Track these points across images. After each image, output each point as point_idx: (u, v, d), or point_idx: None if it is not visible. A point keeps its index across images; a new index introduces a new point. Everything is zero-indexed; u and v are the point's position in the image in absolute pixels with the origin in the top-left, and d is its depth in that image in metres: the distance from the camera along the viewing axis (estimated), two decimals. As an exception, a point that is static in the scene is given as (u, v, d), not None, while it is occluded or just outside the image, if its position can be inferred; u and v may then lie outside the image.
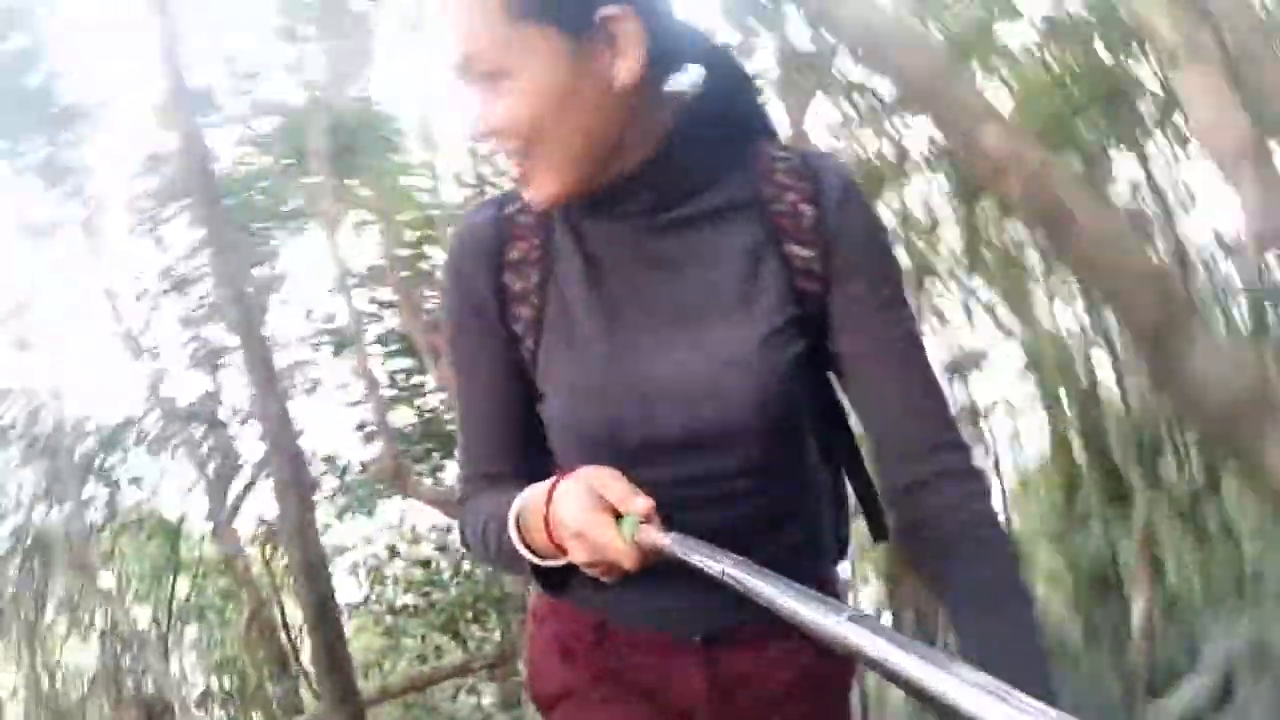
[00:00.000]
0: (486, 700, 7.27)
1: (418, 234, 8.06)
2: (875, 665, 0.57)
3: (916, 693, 0.53)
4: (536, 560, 0.98)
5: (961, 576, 0.99)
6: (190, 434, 8.27)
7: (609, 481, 0.89)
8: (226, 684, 8.91)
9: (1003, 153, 2.62)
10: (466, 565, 7.98)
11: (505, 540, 0.99)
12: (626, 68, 0.90)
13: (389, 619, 8.08)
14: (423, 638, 7.91)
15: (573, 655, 1.14)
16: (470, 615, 7.63)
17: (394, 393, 8.98)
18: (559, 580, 1.02)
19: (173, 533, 9.20)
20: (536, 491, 0.95)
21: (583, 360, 1.01)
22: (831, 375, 1.08)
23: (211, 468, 8.52)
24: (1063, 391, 7.86)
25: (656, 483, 0.95)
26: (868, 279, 1.03)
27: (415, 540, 8.49)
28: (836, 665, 1.13)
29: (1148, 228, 7.21)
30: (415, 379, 9.13)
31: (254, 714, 8.49)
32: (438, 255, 7.99)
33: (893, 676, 0.55)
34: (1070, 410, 7.96)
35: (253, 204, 8.18)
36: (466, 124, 0.96)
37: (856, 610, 0.61)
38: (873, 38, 2.91)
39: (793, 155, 1.04)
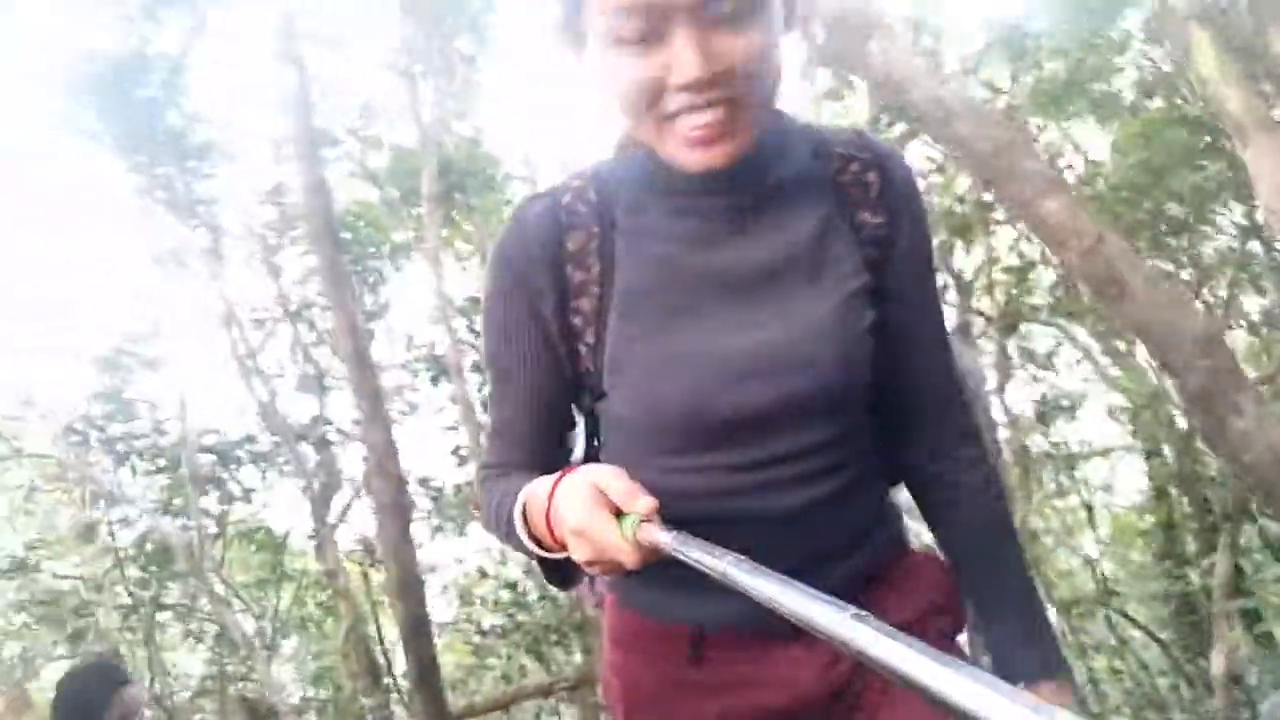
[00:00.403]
0: (567, 721, 7.44)
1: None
2: (878, 664, 0.56)
3: (920, 691, 0.53)
4: (541, 553, 0.99)
5: (965, 525, 1.14)
6: (298, 452, 8.70)
7: (611, 480, 0.88)
8: (323, 694, 9.28)
9: (1062, 225, 2.73)
10: (552, 590, 8.21)
11: (513, 531, 1.00)
12: (804, 29, 0.98)
13: (477, 639, 8.32)
14: (508, 657, 8.14)
15: (662, 670, 1.13)
16: (554, 638, 7.81)
17: (487, 418, 9.28)
18: (565, 573, 1.03)
19: (278, 546, 9.65)
20: (540, 487, 0.96)
21: (662, 339, 1.00)
22: None
23: (316, 485, 8.94)
24: (1159, 435, 7.70)
25: (737, 466, 0.99)
26: (924, 254, 1.09)
27: (503, 562, 8.74)
28: (943, 611, 1.15)
29: (1252, 268, 7.05)
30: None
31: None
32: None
33: (896, 675, 0.55)
34: (1167, 455, 7.78)
35: (363, 236, 8.62)
36: (691, 67, 0.89)
37: (859, 610, 0.60)
38: (940, 110, 3.04)
39: (841, 130, 1.08)
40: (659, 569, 0.91)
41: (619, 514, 0.87)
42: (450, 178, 7.85)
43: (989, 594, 1.13)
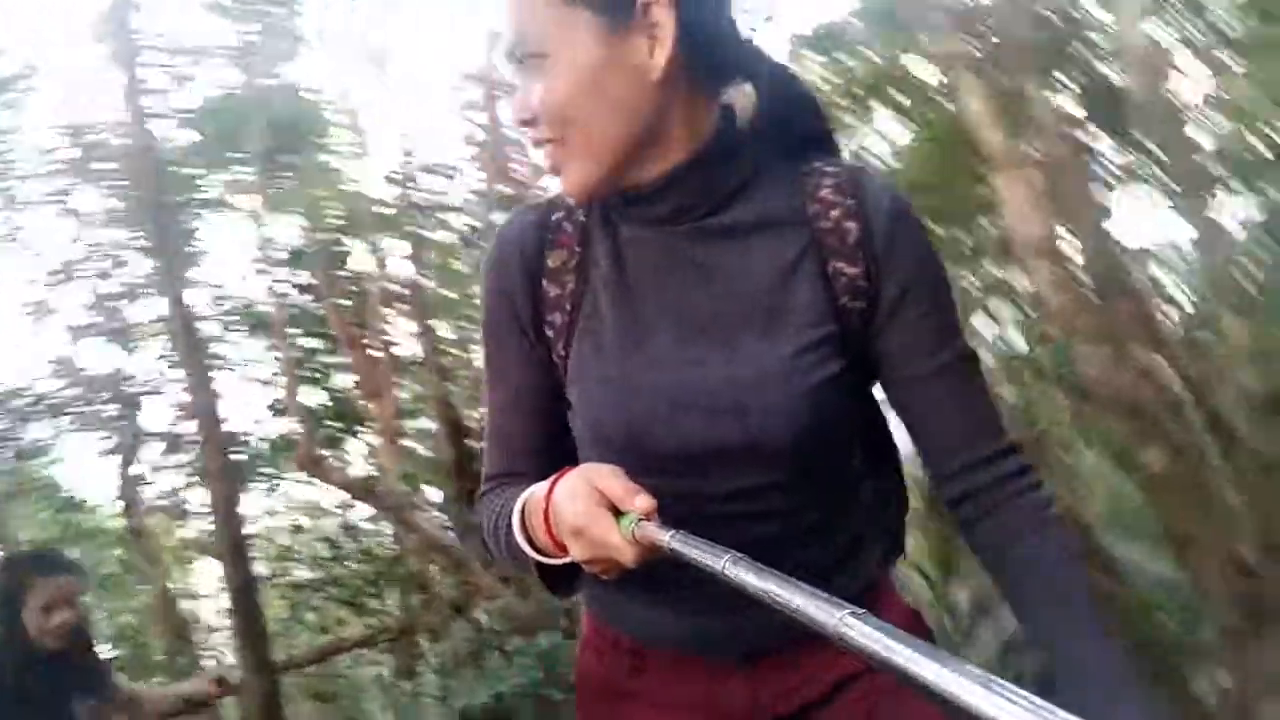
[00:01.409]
0: (386, 671, 7.59)
1: (340, 221, 8.30)
2: (876, 661, 0.57)
3: (918, 688, 0.53)
4: (540, 558, 0.97)
5: (1025, 559, 1.00)
6: (99, 407, 8.34)
7: (609, 479, 0.88)
8: (124, 651, 8.98)
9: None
10: (369, 544, 8.30)
11: (511, 538, 0.99)
12: (660, 59, 0.91)
13: (292, 593, 8.31)
14: (321, 610, 8.18)
15: (614, 690, 1.15)
16: (371, 590, 7.92)
17: (305, 373, 9.19)
18: (565, 581, 1.02)
19: (73, 504, 9.21)
20: (538, 489, 0.95)
21: (609, 363, 1.01)
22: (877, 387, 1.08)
23: (118, 440, 8.59)
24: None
25: (687, 495, 0.97)
26: (921, 300, 1.01)
27: (318, 517, 8.73)
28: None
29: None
30: (327, 359, 9.38)
31: (154, 682, 8.60)
32: (355, 245, 8.28)
33: (893, 672, 0.55)
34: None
35: (178, 180, 8.29)
36: (512, 108, 0.96)
37: (856, 608, 0.60)
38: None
39: (841, 172, 1.02)
40: (610, 581, 0.93)
41: (617, 512, 0.86)
42: (268, 122, 7.66)
43: (1067, 655, 0.97)
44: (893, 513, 1.19)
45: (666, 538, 0.81)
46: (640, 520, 0.84)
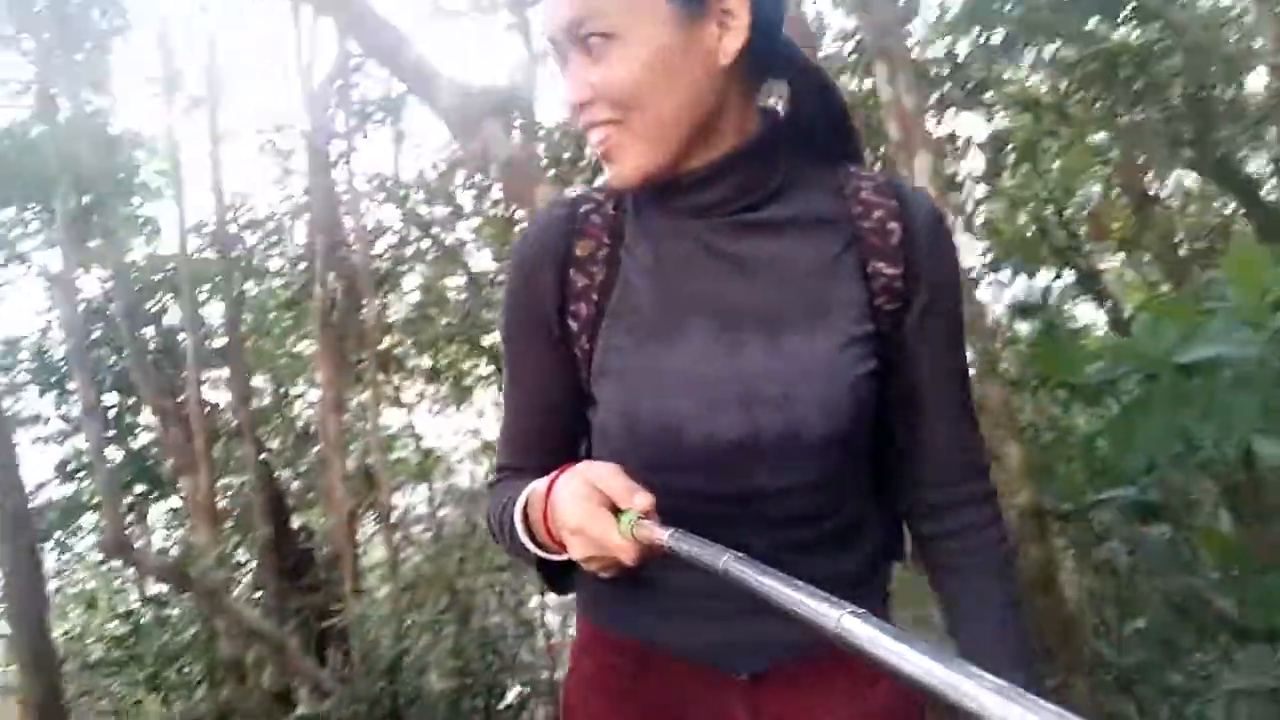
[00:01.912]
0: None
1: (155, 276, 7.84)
2: (876, 662, 0.57)
3: (919, 688, 0.53)
4: (541, 554, 0.98)
5: (971, 588, 1.06)
6: None
7: (608, 477, 0.88)
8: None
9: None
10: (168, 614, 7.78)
11: (514, 533, 1.00)
12: (731, 46, 0.92)
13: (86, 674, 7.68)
14: (121, 696, 7.59)
15: (611, 690, 1.13)
16: (180, 671, 7.43)
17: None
18: (564, 577, 1.05)
19: None
20: (538, 486, 0.95)
21: (643, 354, 0.99)
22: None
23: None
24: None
25: (719, 496, 0.98)
26: (946, 309, 1.04)
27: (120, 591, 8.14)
28: (902, 704, 1.08)
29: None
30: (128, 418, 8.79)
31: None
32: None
33: (894, 673, 0.55)
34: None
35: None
36: (565, 92, 0.94)
37: (857, 607, 0.61)
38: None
39: (877, 176, 1.05)
40: (620, 583, 0.95)
41: (617, 511, 0.86)
42: (74, 164, 7.16)
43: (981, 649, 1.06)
44: (898, 526, 1.17)
45: (665, 536, 0.81)
46: (639, 519, 0.84)
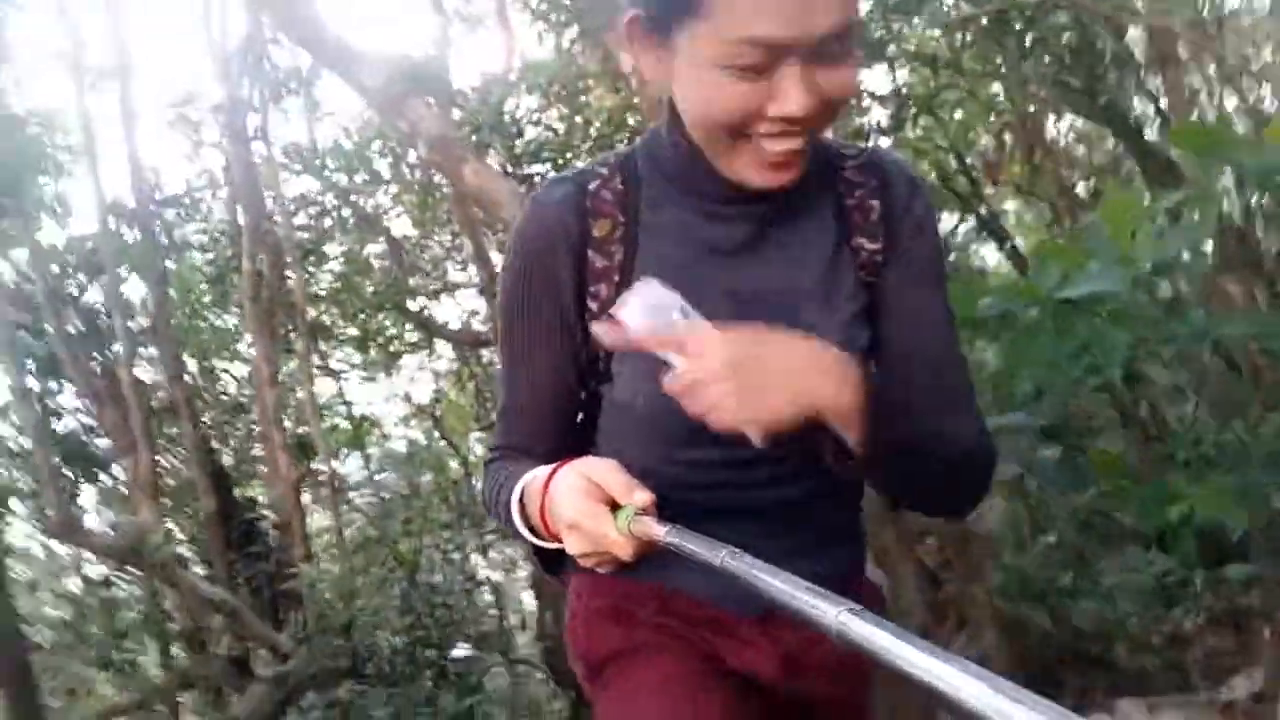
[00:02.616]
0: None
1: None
2: (873, 657, 0.57)
3: (914, 683, 0.53)
4: (537, 542, 1.00)
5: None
6: None
7: (606, 473, 0.89)
8: None
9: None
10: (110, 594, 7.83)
11: (510, 518, 1.02)
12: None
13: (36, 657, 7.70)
14: (66, 674, 7.66)
15: (631, 616, 1.11)
16: (128, 649, 7.52)
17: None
18: (557, 561, 1.05)
19: None
20: (537, 478, 0.97)
21: None
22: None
23: None
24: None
25: (730, 461, 1.00)
26: (919, 264, 1.07)
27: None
28: None
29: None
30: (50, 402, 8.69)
31: None
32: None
33: (890, 667, 0.56)
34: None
35: None
36: (798, 103, 0.88)
37: (853, 604, 0.61)
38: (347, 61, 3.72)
39: (860, 153, 1.08)
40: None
41: (614, 506, 0.87)
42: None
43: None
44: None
45: (662, 532, 0.82)
46: (637, 515, 0.84)
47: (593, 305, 1.03)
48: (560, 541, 0.94)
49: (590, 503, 0.88)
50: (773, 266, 1.03)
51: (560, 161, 6.57)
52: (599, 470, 0.90)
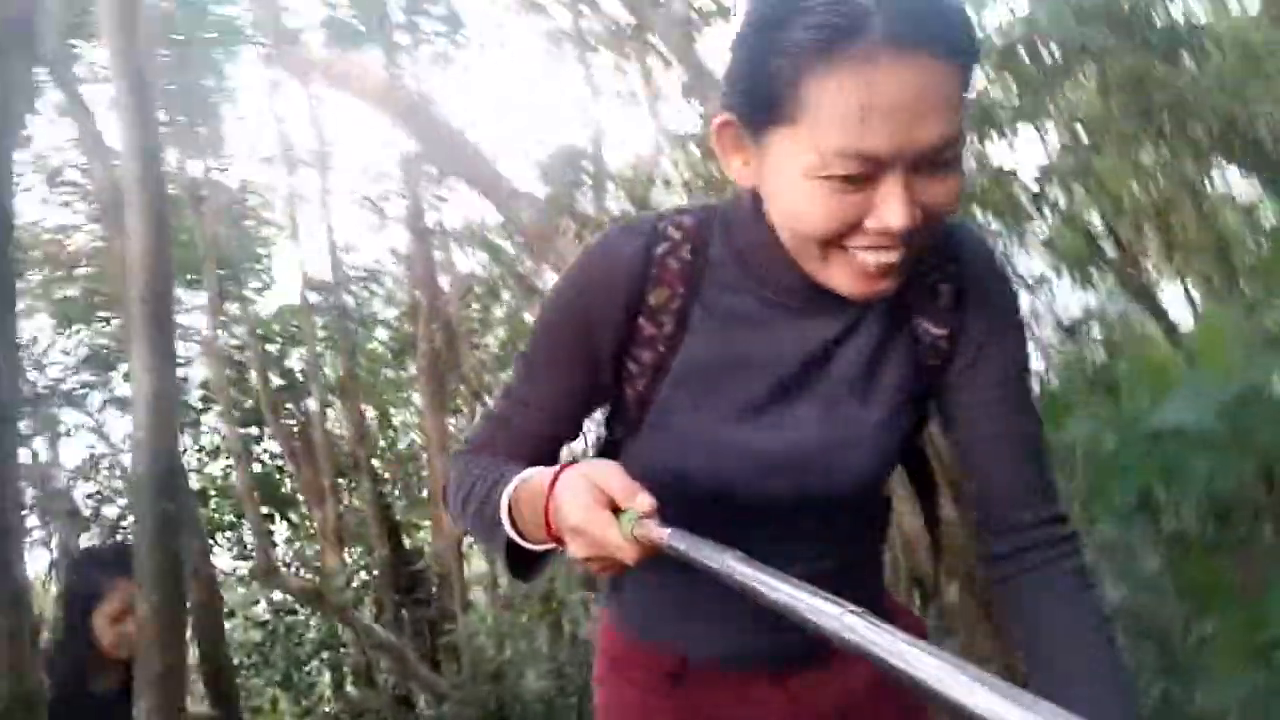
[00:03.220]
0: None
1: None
2: (876, 661, 0.57)
3: (919, 689, 0.53)
4: (524, 544, 0.98)
5: (1054, 621, 1.02)
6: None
7: (609, 476, 0.88)
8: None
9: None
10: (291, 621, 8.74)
11: (489, 513, 1.00)
12: None
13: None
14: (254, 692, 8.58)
15: (653, 696, 1.17)
16: (306, 674, 8.32)
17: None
18: (530, 566, 1.03)
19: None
20: (537, 480, 0.94)
21: (705, 421, 1.03)
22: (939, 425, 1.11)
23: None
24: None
25: (745, 534, 0.96)
26: (998, 355, 1.05)
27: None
28: None
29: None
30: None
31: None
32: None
33: (893, 672, 0.56)
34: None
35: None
36: (902, 217, 0.84)
37: (856, 607, 0.61)
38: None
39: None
40: (652, 595, 1.05)
41: (617, 510, 0.87)
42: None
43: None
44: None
45: (665, 535, 0.81)
46: (640, 519, 0.84)
47: (632, 368, 1.04)
48: (555, 542, 0.93)
49: (594, 506, 0.87)
50: (816, 357, 1.03)
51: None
52: (601, 473, 0.88)
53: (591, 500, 0.87)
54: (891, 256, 0.89)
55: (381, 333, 8.98)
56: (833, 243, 0.89)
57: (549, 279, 9.03)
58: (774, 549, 0.99)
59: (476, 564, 8.58)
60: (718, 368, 1.03)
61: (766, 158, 0.90)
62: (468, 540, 8.15)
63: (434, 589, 7.43)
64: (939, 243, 1.01)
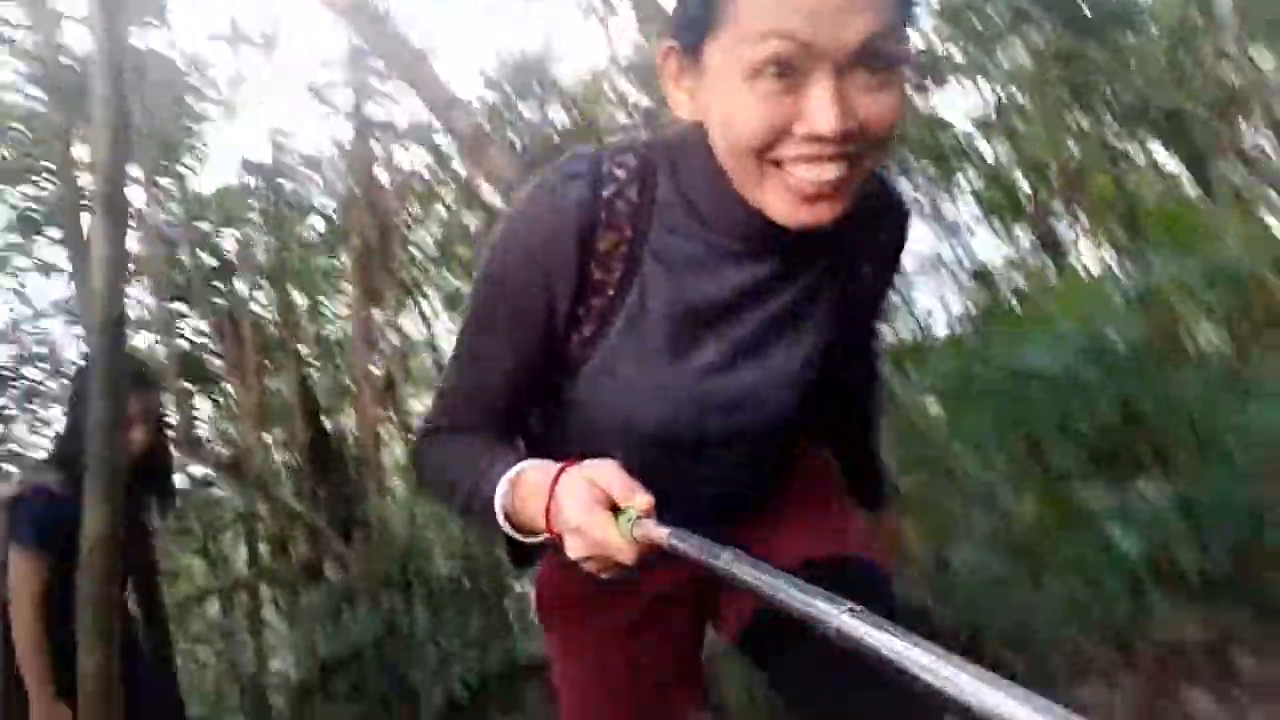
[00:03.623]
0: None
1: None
2: (876, 658, 0.57)
3: (918, 685, 0.53)
4: (518, 536, 0.98)
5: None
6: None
7: (609, 477, 0.88)
8: None
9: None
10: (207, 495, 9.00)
11: (478, 504, 1.01)
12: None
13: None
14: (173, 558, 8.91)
15: (566, 577, 1.24)
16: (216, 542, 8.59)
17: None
18: (527, 554, 1.10)
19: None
20: (536, 477, 0.94)
21: (650, 368, 1.03)
22: None
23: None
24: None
25: (677, 462, 1.08)
26: (891, 283, 1.19)
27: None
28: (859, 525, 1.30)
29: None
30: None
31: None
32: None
33: (893, 669, 0.55)
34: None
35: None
36: (829, 119, 0.82)
37: (856, 605, 0.61)
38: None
39: (872, 180, 1.00)
40: None
41: (615, 509, 0.87)
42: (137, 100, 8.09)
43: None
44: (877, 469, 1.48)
45: (665, 535, 0.82)
46: (638, 518, 0.84)
47: (580, 312, 1.02)
48: (554, 537, 0.93)
49: (594, 507, 0.87)
50: (763, 304, 1.04)
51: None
52: (602, 474, 0.89)
53: (590, 501, 0.88)
54: (826, 172, 0.86)
55: (318, 222, 9.12)
56: (767, 156, 0.87)
57: (486, 188, 9.33)
58: (698, 474, 1.12)
59: (398, 450, 8.95)
60: (663, 314, 1.03)
61: (704, 78, 0.90)
62: (386, 430, 8.56)
63: (352, 472, 7.79)
64: (876, 190, 1.05)
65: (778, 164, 0.88)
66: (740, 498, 1.21)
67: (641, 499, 0.86)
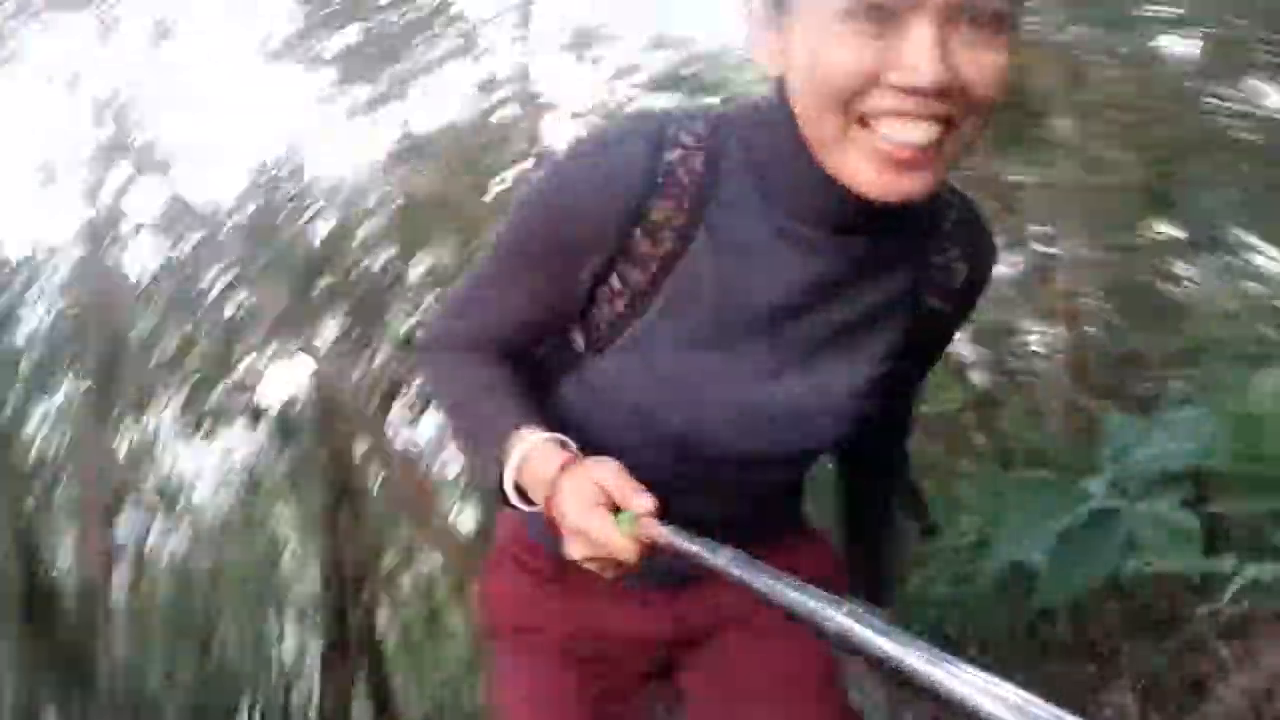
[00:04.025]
0: None
1: None
2: (875, 659, 0.58)
3: (917, 686, 0.54)
4: (521, 505, 0.96)
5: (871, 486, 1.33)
6: None
7: (610, 477, 0.87)
8: None
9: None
10: None
11: (485, 460, 0.98)
12: None
13: None
14: None
15: (529, 591, 1.19)
16: None
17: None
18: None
19: None
20: (542, 466, 0.92)
21: (688, 365, 0.97)
22: None
23: None
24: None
25: (690, 472, 1.01)
26: (959, 325, 1.10)
27: None
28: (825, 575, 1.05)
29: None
30: None
31: None
32: None
33: (892, 670, 0.56)
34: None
35: None
36: (927, 69, 0.75)
37: (855, 605, 0.61)
38: None
39: (960, 206, 0.99)
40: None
41: (616, 509, 0.86)
42: None
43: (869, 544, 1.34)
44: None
45: (665, 534, 0.82)
46: (638, 518, 0.84)
47: (616, 284, 0.96)
48: (553, 529, 0.91)
49: (595, 509, 0.86)
50: (817, 311, 0.96)
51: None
52: (605, 474, 0.88)
53: (592, 501, 0.87)
54: (917, 132, 0.79)
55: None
56: (855, 108, 0.79)
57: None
58: (707, 489, 1.03)
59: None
60: (709, 303, 0.95)
61: (792, 20, 0.82)
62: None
63: (72, 618, 6.97)
64: (963, 218, 1.00)
65: (864, 123, 0.80)
66: (742, 528, 1.02)
67: (643, 500, 0.85)
